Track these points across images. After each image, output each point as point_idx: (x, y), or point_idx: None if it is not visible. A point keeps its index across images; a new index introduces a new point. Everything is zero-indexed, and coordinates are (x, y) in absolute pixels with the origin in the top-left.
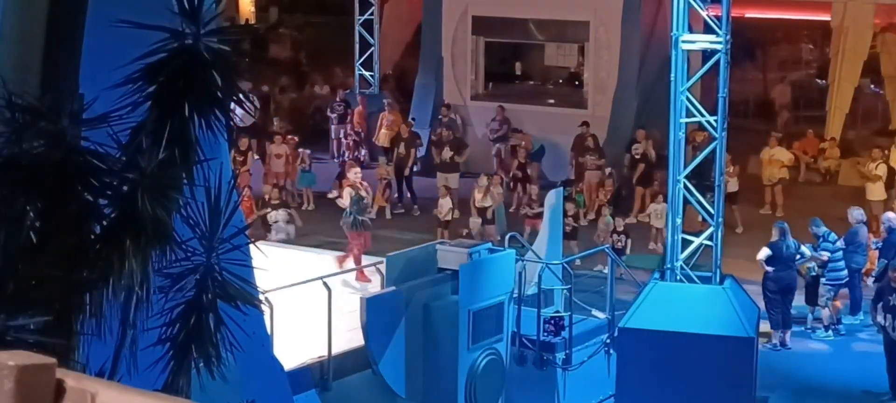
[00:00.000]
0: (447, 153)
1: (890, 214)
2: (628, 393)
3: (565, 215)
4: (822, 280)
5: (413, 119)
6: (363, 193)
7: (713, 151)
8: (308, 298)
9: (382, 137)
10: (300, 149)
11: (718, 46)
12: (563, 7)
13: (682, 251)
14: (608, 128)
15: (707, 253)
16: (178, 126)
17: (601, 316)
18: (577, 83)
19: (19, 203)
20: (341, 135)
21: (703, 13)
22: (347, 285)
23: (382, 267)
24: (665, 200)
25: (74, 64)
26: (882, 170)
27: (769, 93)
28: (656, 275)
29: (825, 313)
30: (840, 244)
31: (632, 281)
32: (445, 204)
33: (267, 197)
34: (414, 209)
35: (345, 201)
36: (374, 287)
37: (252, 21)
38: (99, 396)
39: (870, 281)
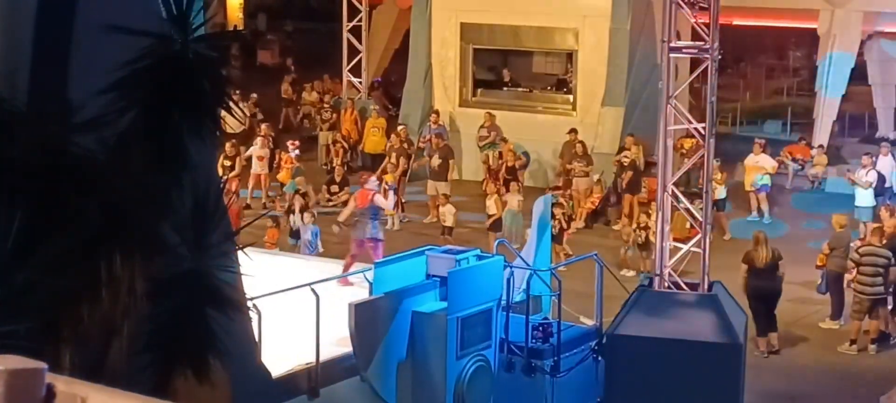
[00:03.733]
0: (436, 160)
1: None
2: (617, 400)
3: (552, 218)
4: None
5: (404, 125)
6: (382, 204)
7: (701, 158)
8: (296, 304)
9: (369, 145)
10: (293, 153)
11: (706, 54)
12: (551, 14)
13: (671, 258)
14: (596, 134)
15: (695, 260)
16: (167, 131)
17: (589, 322)
18: (565, 90)
19: (7, 208)
20: (329, 142)
21: (692, 20)
22: (336, 291)
23: (370, 275)
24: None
25: (63, 69)
26: (872, 177)
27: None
28: (644, 282)
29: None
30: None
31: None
32: (448, 212)
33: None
34: (403, 217)
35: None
36: (363, 292)
37: (240, 27)
38: (89, 399)
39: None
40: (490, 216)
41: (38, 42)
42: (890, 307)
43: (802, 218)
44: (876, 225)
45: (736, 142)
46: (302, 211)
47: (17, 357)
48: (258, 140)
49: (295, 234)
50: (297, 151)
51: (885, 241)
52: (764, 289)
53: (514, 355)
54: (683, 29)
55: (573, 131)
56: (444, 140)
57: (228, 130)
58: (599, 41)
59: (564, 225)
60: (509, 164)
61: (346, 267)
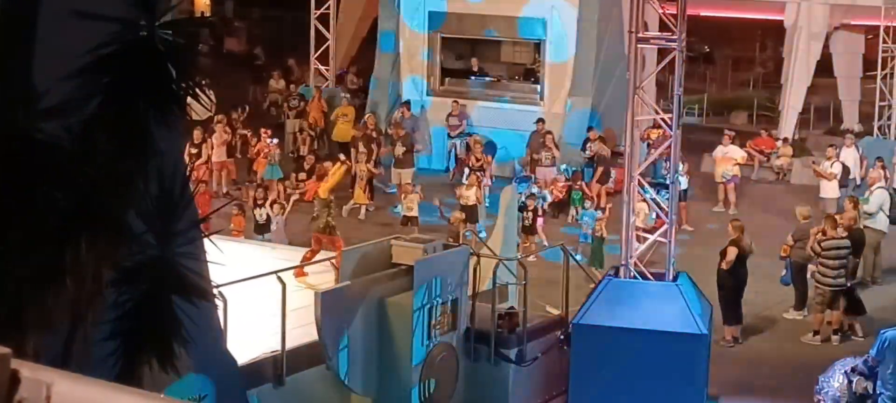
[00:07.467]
0: (400, 149)
1: None
2: (582, 389)
3: (525, 209)
4: None
5: (372, 113)
6: (331, 198)
7: (667, 148)
8: (262, 292)
9: (337, 133)
10: (270, 142)
11: (674, 44)
12: (519, 4)
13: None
14: (564, 125)
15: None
16: (133, 118)
17: (555, 311)
18: (533, 80)
19: None
20: (297, 130)
21: (659, 11)
22: (301, 280)
23: (335, 262)
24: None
25: (27, 55)
26: (837, 169)
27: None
28: (611, 272)
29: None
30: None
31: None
32: (413, 201)
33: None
34: (370, 206)
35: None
36: (328, 281)
37: (207, 14)
38: (55, 386)
39: None
40: (463, 206)
41: (2, 27)
42: (844, 305)
43: (767, 210)
44: (830, 214)
45: (703, 133)
46: (272, 203)
47: None
48: (217, 127)
49: (261, 229)
50: (273, 139)
51: (845, 233)
52: (744, 277)
53: (480, 344)
54: (651, 19)
55: (541, 121)
56: (424, 132)
57: (195, 117)
58: (567, 31)
59: (540, 213)
60: (477, 156)
61: (306, 260)
